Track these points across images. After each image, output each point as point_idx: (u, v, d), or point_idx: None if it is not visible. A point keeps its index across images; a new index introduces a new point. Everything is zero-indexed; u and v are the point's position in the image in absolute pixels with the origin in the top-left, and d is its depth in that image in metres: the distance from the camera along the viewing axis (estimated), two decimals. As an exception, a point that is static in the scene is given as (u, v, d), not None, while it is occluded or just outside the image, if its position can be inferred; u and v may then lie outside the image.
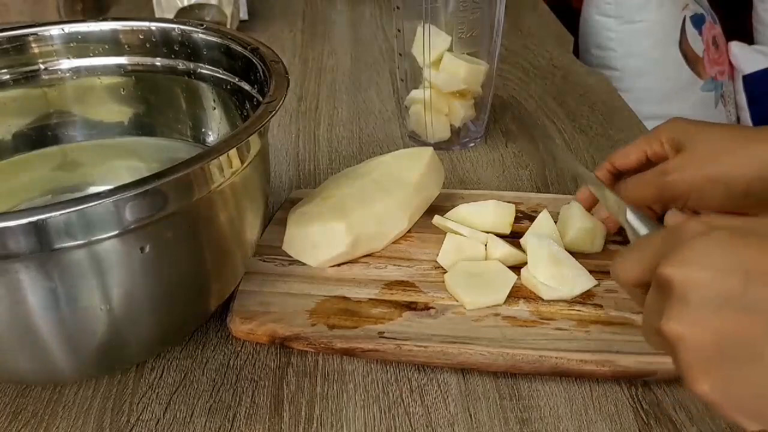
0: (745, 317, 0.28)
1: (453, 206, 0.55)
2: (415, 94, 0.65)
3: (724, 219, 0.31)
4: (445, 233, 0.52)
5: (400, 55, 0.65)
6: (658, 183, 0.45)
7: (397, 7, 0.62)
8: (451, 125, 0.66)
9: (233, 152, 0.37)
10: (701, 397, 0.29)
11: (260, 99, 0.45)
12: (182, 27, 0.50)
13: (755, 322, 0.28)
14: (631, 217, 0.40)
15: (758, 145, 0.43)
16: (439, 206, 0.55)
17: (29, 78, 0.51)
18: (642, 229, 0.39)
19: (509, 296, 0.46)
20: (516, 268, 0.48)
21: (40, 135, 0.52)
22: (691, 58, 1.25)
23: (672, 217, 0.45)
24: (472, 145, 0.67)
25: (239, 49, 0.47)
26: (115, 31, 0.51)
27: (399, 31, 0.64)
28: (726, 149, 0.43)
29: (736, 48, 1.32)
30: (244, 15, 0.96)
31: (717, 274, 0.28)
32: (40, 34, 0.50)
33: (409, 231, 0.53)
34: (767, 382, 0.28)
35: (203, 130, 0.53)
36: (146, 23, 0.50)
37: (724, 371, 0.28)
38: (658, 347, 0.32)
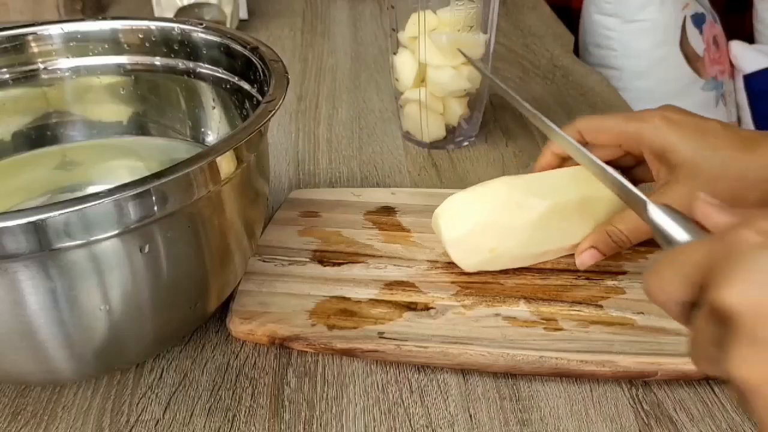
0: None
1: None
2: (410, 93, 0.65)
3: None
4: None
5: (395, 54, 0.65)
6: None
7: (392, 6, 0.62)
8: (446, 124, 0.66)
9: (233, 152, 0.37)
10: None
11: (260, 98, 0.44)
12: (182, 26, 0.50)
13: None
14: (655, 213, 0.33)
15: (752, 163, 0.42)
16: (436, 206, 0.55)
17: (29, 77, 0.50)
18: (673, 229, 0.32)
19: (509, 296, 0.46)
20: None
21: (39, 135, 0.52)
22: (691, 58, 1.25)
23: (705, 211, 0.32)
24: (465, 143, 0.67)
25: (239, 48, 0.47)
26: (114, 31, 0.51)
27: (393, 30, 0.64)
28: (729, 185, 0.42)
29: (737, 47, 1.32)
30: (243, 14, 0.96)
31: None
32: (39, 33, 0.50)
33: (408, 231, 0.53)
34: None
35: (203, 129, 0.52)
36: (146, 22, 0.50)
37: None
38: (712, 373, 0.27)
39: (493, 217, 0.46)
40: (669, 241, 0.33)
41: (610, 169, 0.40)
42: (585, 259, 0.47)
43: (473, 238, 0.46)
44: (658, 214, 0.33)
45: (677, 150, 0.44)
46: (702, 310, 0.26)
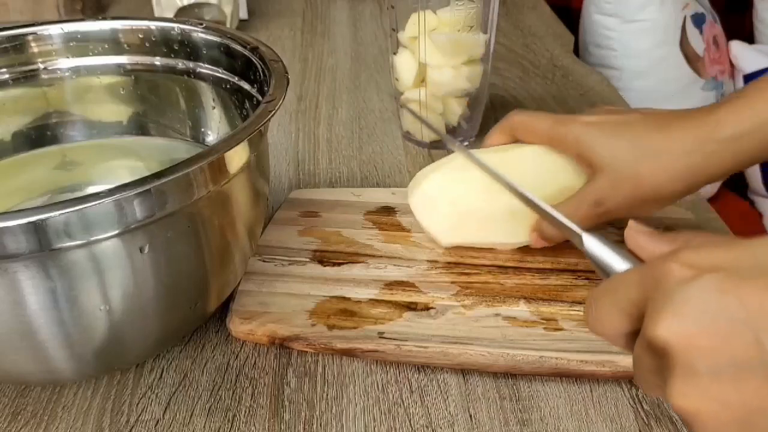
0: (765, 388, 0.23)
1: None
2: (410, 94, 0.65)
3: (704, 252, 0.26)
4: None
5: (395, 54, 0.65)
6: (596, 214, 0.45)
7: (392, 6, 0.62)
8: (445, 124, 0.66)
9: (233, 152, 0.37)
10: None
11: (260, 98, 0.44)
12: (182, 26, 0.50)
13: None
14: (590, 244, 0.33)
15: (666, 142, 0.43)
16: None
17: (28, 77, 0.50)
18: (608, 258, 0.33)
19: (509, 296, 0.46)
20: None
21: (39, 135, 0.52)
22: (691, 58, 1.25)
23: (634, 240, 0.33)
24: (466, 144, 0.67)
25: (239, 48, 0.47)
26: (114, 31, 0.51)
27: (393, 30, 0.64)
28: (650, 175, 0.43)
29: (737, 47, 1.32)
30: (243, 14, 0.96)
31: (722, 334, 0.24)
32: (39, 33, 0.50)
33: (408, 231, 0.53)
34: None
35: (203, 129, 0.52)
36: (146, 22, 0.50)
37: None
38: (657, 396, 0.28)
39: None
40: (606, 272, 0.33)
41: (544, 204, 0.39)
42: (534, 240, 0.49)
43: (452, 219, 0.49)
44: (592, 246, 0.33)
45: (594, 151, 0.45)
46: (640, 342, 0.27)
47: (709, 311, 0.24)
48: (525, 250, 0.50)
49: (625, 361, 0.41)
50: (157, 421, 0.40)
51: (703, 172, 0.43)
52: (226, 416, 0.40)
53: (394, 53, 0.65)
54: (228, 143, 0.36)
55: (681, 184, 0.43)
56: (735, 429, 0.24)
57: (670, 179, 0.43)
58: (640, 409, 0.40)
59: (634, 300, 0.27)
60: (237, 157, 0.38)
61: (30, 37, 0.50)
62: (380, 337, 0.43)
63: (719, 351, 0.24)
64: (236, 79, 0.48)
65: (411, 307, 0.46)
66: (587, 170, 0.46)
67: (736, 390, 0.24)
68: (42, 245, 0.31)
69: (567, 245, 0.49)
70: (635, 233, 0.32)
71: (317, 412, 0.40)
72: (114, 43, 0.51)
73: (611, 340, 0.30)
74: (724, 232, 0.56)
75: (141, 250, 0.34)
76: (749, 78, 1.31)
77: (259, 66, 0.45)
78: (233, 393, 0.42)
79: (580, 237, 0.34)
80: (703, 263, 0.25)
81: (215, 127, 0.52)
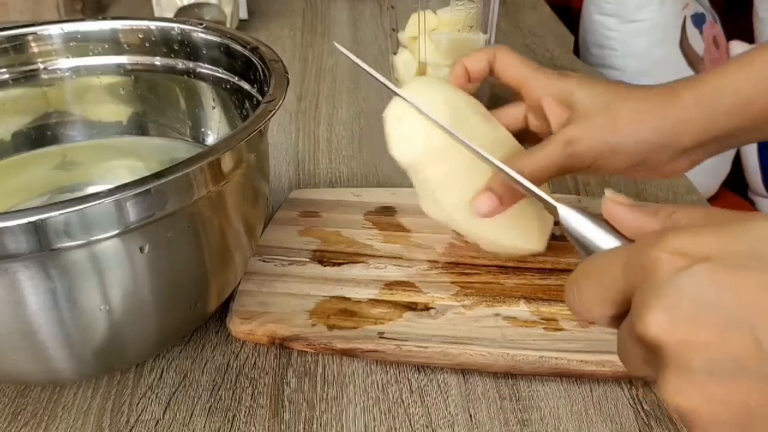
0: (765, 386, 0.22)
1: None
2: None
3: (695, 238, 0.24)
4: (445, 233, 0.52)
5: (395, 54, 0.65)
6: (565, 153, 0.41)
7: (392, 6, 0.62)
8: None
9: (233, 152, 0.37)
10: None
11: (260, 98, 0.44)
12: (182, 26, 0.50)
13: None
14: (568, 218, 0.32)
15: (650, 114, 0.41)
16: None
17: (29, 77, 0.50)
18: (587, 232, 0.31)
19: (509, 296, 0.46)
20: None
21: (39, 135, 0.52)
22: (691, 58, 1.25)
23: (614, 212, 0.30)
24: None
25: (239, 48, 0.47)
26: (114, 31, 0.51)
27: (393, 30, 0.64)
28: (625, 119, 0.41)
29: (737, 47, 1.32)
30: (243, 14, 0.96)
31: (717, 330, 0.22)
32: (39, 33, 0.50)
33: (408, 231, 0.53)
34: None
35: (203, 129, 0.52)
36: (146, 22, 0.50)
37: None
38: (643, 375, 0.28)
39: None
40: (585, 247, 0.31)
41: (517, 175, 0.37)
42: (479, 204, 0.43)
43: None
44: (569, 218, 0.32)
45: (572, 92, 0.43)
46: (627, 330, 0.26)
47: (703, 305, 0.23)
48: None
49: (625, 361, 0.41)
50: (157, 421, 0.40)
51: (680, 131, 0.41)
52: (226, 416, 0.40)
53: (394, 53, 0.65)
54: (228, 143, 0.36)
55: (657, 138, 0.41)
56: (734, 426, 0.23)
57: (646, 129, 0.41)
58: (640, 409, 0.40)
59: (620, 288, 0.26)
60: (237, 157, 0.38)
61: (30, 37, 0.50)
62: (380, 337, 0.43)
63: (715, 348, 0.23)
64: (236, 79, 0.48)
65: (411, 307, 0.46)
66: (563, 112, 0.44)
67: (735, 389, 0.23)
68: (42, 245, 0.31)
69: (568, 245, 0.49)
70: (613, 204, 0.30)
71: (317, 412, 0.40)
72: (114, 43, 0.51)
73: (593, 320, 0.29)
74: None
75: (141, 250, 0.34)
76: (749, 78, 1.30)
77: (259, 66, 0.45)
78: (233, 393, 0.42)
79: (555, 208, 0.33)
80: (693, 251, 0.24)
81: (215, 127, 0.52)
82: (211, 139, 0.52)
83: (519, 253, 0.48)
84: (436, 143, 0.44)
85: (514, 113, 0.48)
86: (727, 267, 0.23)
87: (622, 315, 0.27)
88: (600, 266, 0.27)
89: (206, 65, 0.50)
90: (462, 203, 0.45)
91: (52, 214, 0.30)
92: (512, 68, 0.46)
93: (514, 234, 0.47)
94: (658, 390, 0.25)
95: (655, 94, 0.42)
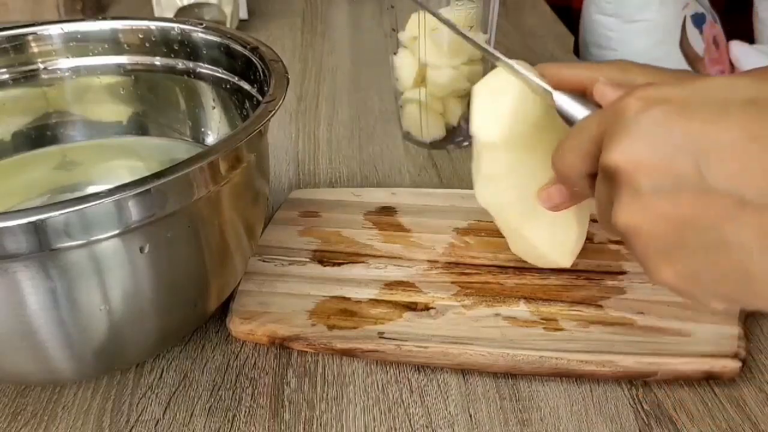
0: (702, 200, 0.26)
1: (452, 206, 0.55)
2: (410, 93, 0.65)
3: (658, 89, 0.28)
4: (445, 233, 0.52)
5: (395, 54, 0.65)
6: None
7: (391, 6, 0.62)
8: (446, 124, 0.66)
9: (233, 152, 0.37)
10: (664, 284, 0.28)
11: (260, 98, 0.44)
12: (182, 26, 0.50)
13: (713, 204, 0.26)
14: (560, 99, 0.36)
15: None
16: (436, 206, 0.55)
17: (28, 77, 0.50)
18: (575, 110, 0.36)
19: (509, 296, 0.46)
20: None
21: (39, 135, 0.52)
22: (691, 58, 1.25)
23: (601, 91, 0.35)
24: (466, 143, 0.67)
25: (239, 48, 0.47)
26: (114, 31, 0.51)
27: (393, 30, 0.64)
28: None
29: (737, 47, 1.32)
30: (243, 14, 0.96)
31: (666, 157, 0.27)
32: (39, 33, 0.50)
33: (408, 231, 0.53)
34: (732, 265, 0.26)
35: (203, 129, 0.52)
36: (146, 22, 0.50)
37: (686, 259, 0.27)
38: (616, 236, 0.31)
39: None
40: (574, 123, 0.35)
41: (518, 66, 0.41)
42: (551, 194, 0.42)
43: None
44: (563, 101, 0.36)
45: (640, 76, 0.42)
46: (599, 174, 0.30)
47: (657, 138, 0.27)
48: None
49: (625, 361, 0.41)
50: (157, 421, 0.40)
51: None
52: (226, 416, 0.40)
53: (394, 53, 0.65)
54: (228, 143, 0.36)
55: None
56: (669, 241, 0.27)
57: None
58: (640, 409, 0.40)
59: (594, 137, 0.30)
60: (237, 157, 0.38)
61: (30, 37, 0.50)
62: (380, 337, 0.43)
63: (661, 171, 0.27)
64: (236, 79, 0.48)
65: (411, 307, 0.46)
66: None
67: (673, 204, 0.27)
68: (42, 245, 0.31)
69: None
70: (602, 85, 0.35)
71: (317, 412, 0.40)
72: (114, 43, 0.51)
73: (574, 183, 0.33)
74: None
75: (141, 250, 0.34)
76: (749, 78, 1.30)
77: (259, 66, 0.45)
78: (233, 393, 0.42)
79: (550, 94, 0.37)
80: (657, 97, 0.28)
81: (215, 127, 0.52)
82: (211, 139, 0.52)
83: (543, 263, 0.48)
84: (519, 130, 0.43)
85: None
86: (681, 108, 0.27)
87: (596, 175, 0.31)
88: (580, 126, 0.32)
89: (206, 65, 0.50)
90: (520, 196, 0.45)
91: (52, 214, 0.30)
92: (564, 75, 0.43)
93: (551, 244, 0.47)
94: (613, 216, 0.28)
95: None
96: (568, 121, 0.36)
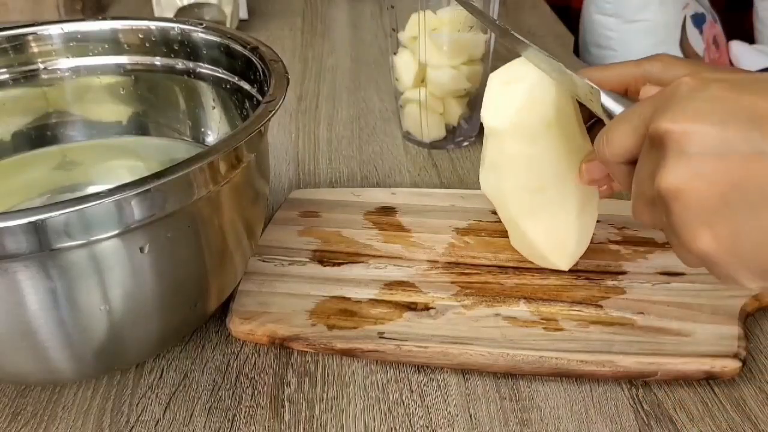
0: (753, 162, 0.26)
1: (452, 206, 0.55)
2: (410, 93, 0.65)
3: (717, 72, 0.29)
4: (445, 233, 0.52)
5: (395, 54, 0.65)
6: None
7: (392, 6, 0.62)
8: (446, 124, 0.66)
9: (233, 152, 0.37)
10: (701, 254, 0.28)
11: (260, 98, 0.44)
12: (182, 26, 0.50)
13: (764, 165, 0.26)
14: (607, 100, 0.37)
15: None
16: (436, 206, 0.55)
17: (29, 77, 0.50)
18: (622, 108, 0.36)
19: (509, 296, 0.46)
20: None
21: (39, 135, 0.52)
22: (691, 58, 1.25)
23: (649, 92, 0.36)
24: (466, 144, 0.67)
25: (239, 48, 0.47)
26: (114, 31, 0.51)
27: (393, 30, 0.64)
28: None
29: (737, 47, 1.32)
30: (243, 14, 0.96)
31: (718, 122, 0.27)
32: (39, 33, 0.50)
33: (408, 231, 0.53)
34: None
35: (203, 129, 0.52)
36: (146, 22, 0.50)
37: (729, 223, 0.27)
38: (649, 220, 0.31)
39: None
40: None
41: (566, 69, 0.41)
42: (592, 168, 0.42)
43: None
44: (609, 102, 0.36)
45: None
46: (643, 149, 0.30)
47: (709, 106, 0.27)
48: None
49: (625, 361, 0.41)
50: (157, 421, 0.40)
51: None
52: (226, 416, 0.40)
53: (394, 53, 0.65)
54: (228, 143, 0.36)
55: None
56: (714, 204, 0.27)
57: None
58: (640, 409, 0.40)
59: (647, 117, 0.30)
60: (237, 157, 0.38)
61: (30, 37, 0.50)
62: (380, 337, 0.43)
63: (712, 135, 0.27)
64: (236, 79, 0.48)
65: (411, 307, 0.46)
66: None
67: (721, 166, 0.27)
68: (42, 245, 0.31)
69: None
70: (650, 87, 0.36)
71: (317, 412, 0.40)
72: (114, 43, 0.51)
73: (614, 167, 0.33)
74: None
75: (141, 250, 0.34)
76: (749, 78, 1.30)
77: (259, 66, 0.45)
78: (233, 393, 0.42)
79: (598, 93, 0.37)
80: (711, 77, 0.29)
81: (215, 127, 0.52)
82: (211, 139, 0.52)
83: (540, 262, 0.48)
84: (527, 122, 0.44)
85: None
86: (734, 84, 0.28)
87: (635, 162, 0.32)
88: (631, 108, 0.32)
89: (206, 65, 0.50)
90: (522, 188, 0.45)
91: (52, 214, 0.30)
92: (607, 78, 0.44)
93: (550, 244, 0.47)
94: (657, 180, 0.29)
95: None
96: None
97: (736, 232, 0.27)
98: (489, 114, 0.45)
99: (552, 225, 0.46)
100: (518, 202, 0.46)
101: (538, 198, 0.46)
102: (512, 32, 0.44)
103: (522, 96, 0.44)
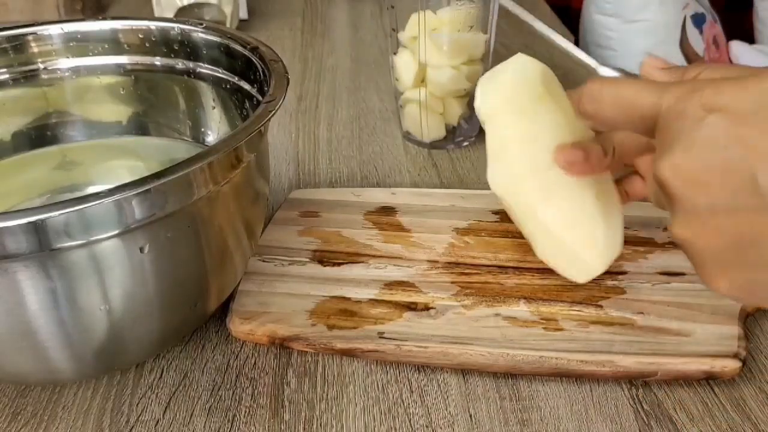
0: (760, 217, 0.25)
1: (452, 206, 0.55)
2: (410, 93, 0.65)
3: (717, 93, 0.26)
4: (445, 233, 0.52)
5: (395, 54, 0.65)
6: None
7: (392, 6, 0.62)
8: (446, 124, 0.66)
9: (233, 152, 0.37)
10: (719, 293, 0.28)
11: (260, 98, 0.44)
12: (182, 26, 0.50)
13: None
14: (608, 74, 0.37)
15: None
16: (436, 206, 0.55)
17: (29, 77, 0.50)
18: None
19: (509, 296, 0.46)
20: None
21: (39, 135, 0.52)
22: (691, 58, 1.25)
23: (649, 69, 0.35)
24: (466, 144, 0.67)
25: (239, 48, 0.47)
26: (114, 31, 0.51)
27: (393, 30, 0.64)
28: None
29: (737, 47, 1.32)
30: (243, 14, 0.96)
31: (721, 172, 0.26)
32: (39, 33, 0.50)
33: (408, 231, 0.53)
34: None
35: (203, 129, 0.52)
36: (146, 22, 0.50)
37: (743, 272, 0.27)
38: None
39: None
40: None
41: (559, 37, 0.41)
42: (566, 154, 0.41)
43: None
44: (610, 77, 0.36)
45: None
46: (651, 178, 0.30)
47: (711, 151, 0.26)
48: (526, 249, 0.50)
49: (625, 361, 0.41)
50: (157, 421, 0.40)
51: None
52: (226, 416, 0.40)
53: (394, 53, 0.65)
54: (228, 143, 0.36)
55: None
56: (725, 255, 0.27)
57: None
58: (640, 409, 0.40)
59: (644, 116, 0.29)
60: (237, 157, 0.38)
61: (30, 37, 0.50)
62: (380, 337, 0.43)
63: (717, 188, 0.26)
64: (236, 79, 0.48)
65: (411, 307, 0.46)
66: None
67: (730, 221, 0.26)
68: (42, 245, 0.31)
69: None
70: (649, 66, 0.34)
71: (317, 412, 0.40)
72: (114, 43, 0.51)
73: (597, 120, 0.32)
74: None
75: (141, 250, 0.34)
76: (749, 78, 1.31)
77: (259, 66, 0.45)
78: (233, 393, 0.42)
79: (595, 70, 0.37)
80: (712, 103, 0.26)
81: (215, 127, 0.52)
82: (211, 139, 0.52)
83: (571, 267, 0.46)
84: (519, 101, 0.45)
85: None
86: (737, 117, 0.26)
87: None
88: (635, 89, 0.30)
89: (206, 65, 0.50)
90: (532, 167, 0.44)
91: (52, 214, 0.30)
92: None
93: (575, 233, 0.45)
94: (669, 228, 0.29)
95: None
96: None
97: (750, 280, 0.27)
98: (480, 101, 0.46)
99: (571, 208, 0.44)
100: (530, 187, 0.44)
101: (549, 177, 0.43)
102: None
103: (507, 78, 0.46)
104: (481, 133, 0.68)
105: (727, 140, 0.26)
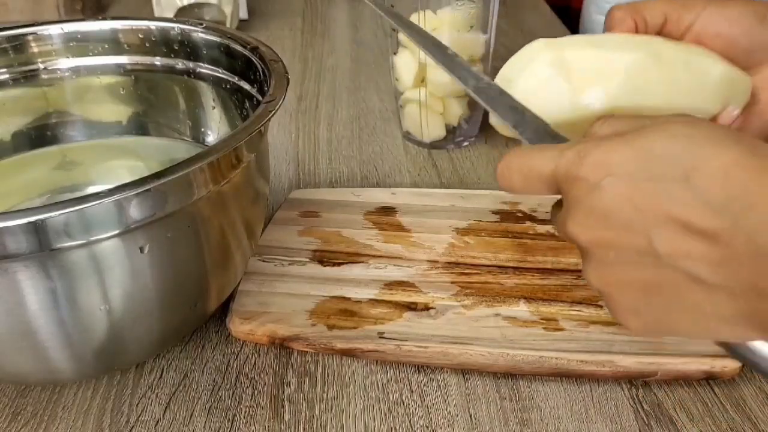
0: (661, 272, 0.27)
1: (452, 206, 0.55)
2: (410, 93, 0.65)
3: (606, 154, 0.28)
4: (445, 233, 0.52)
5: (395, 54, 0.65)
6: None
7: (391, 6, 0.62)
8: (446, 124, 0.66)
9: (233, 152, 0.37)
10: (630, 332, 0.30)
11: (260, 98, 0.44)
12: (182, 26, 0.50)
13: (670, 276, 0.27)
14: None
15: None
16: (436, 206, 0.55)
17: (29, 77, 0.50)
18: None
19: (509, 296, 0.46)
20: None
21: (39, 135, 0.52)
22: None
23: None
24: (466, 144, 0.67)
25: (239, 48, 0.47)
26: (114, 31, 0.51)
27: (393, 30, 0.64)
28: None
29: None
30: (243, 14, 0.96)
31: (622, 232, 0.28)
32: (39, 33, 0.50)
33: (408, 231, 0.53)
34: (697, 324, 0.28)
35: (203, 129, 0.52)
36: (146, 22, 0.50)
37: (653, 314, 0.29)
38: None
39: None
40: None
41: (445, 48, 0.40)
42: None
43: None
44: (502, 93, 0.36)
45: None
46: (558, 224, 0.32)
47: (608, 212, 0.28)
48: (526, 249, 0.50)
49: (625, 361, 0.41)
50: (157, 421, 0.40)
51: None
52: (226, 416, 0.40)
53: (394, 53, 0.65)
54: (228, 143, 0.36)
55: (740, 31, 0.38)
56: (636, 302, 0.29)
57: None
58: (640, 409, 0.40)
59: (549, 183, 0.31)
60: (237, 157, 0.38)
61: (30, 37, 0.50)
62: (380, 337, 0.43)
63: (621, 245, 0.28)
64: (236, 79, 0.48)
65: (411, 307, 0.46)
66: None
67: (637, 273, 0.28)
68: (42, 245, 0.31)
69: (567, 245, 0.49)
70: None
71: (317, 412, 0.40)
72: (114, 43, 0.51)
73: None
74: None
75: (141, 250, 0.34)
76: (749, 78, 1.30)
77: (259, 66, 0.45)
78: (233, 393, 0.42)
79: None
80: (602, 166, 0.28)
81: (215, 127, 0.52)
82: (211, 139, 0.52)
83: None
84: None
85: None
86: (626, 180, 0.27)
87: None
88: (537, 157, 0.31)
89: (206, 65, 0.50)
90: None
91: (52, 214, 0.30)
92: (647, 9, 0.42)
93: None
94: (583, 275, 0.31)
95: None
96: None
97: (660, 321, 0.29)
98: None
99: None
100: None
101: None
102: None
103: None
104: (481, 133, 0.68)
105: (621, 204, 0.27)
